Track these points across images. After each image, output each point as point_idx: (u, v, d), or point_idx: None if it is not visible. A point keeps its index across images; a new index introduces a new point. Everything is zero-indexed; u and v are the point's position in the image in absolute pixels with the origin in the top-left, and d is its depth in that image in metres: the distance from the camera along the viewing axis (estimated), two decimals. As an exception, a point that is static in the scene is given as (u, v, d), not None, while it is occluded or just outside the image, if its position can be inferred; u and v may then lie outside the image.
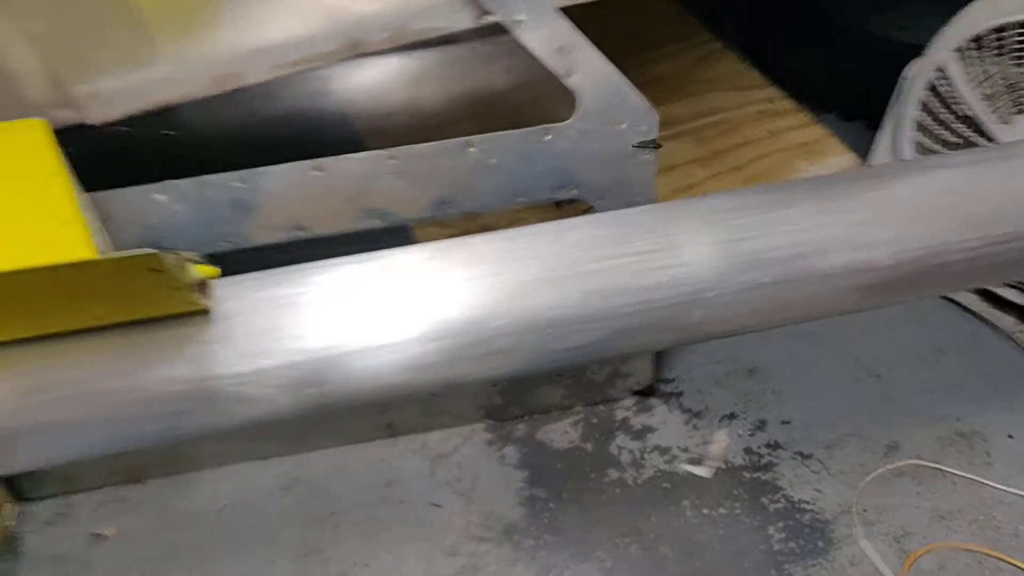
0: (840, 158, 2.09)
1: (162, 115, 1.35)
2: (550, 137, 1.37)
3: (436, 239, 1.18)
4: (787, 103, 2.26)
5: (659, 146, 1.39)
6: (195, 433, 1.13)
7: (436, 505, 1.64)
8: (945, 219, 1.20)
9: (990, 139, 1.67)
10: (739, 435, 1.71)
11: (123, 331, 1.08)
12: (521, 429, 1.75)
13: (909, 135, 1.85)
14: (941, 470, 1.62)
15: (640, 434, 1.73)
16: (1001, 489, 1.59)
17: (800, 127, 2.19)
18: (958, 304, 1.90)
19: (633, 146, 1.38)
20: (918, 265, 1.19)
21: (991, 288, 1.81)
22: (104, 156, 1.27)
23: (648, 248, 1.17)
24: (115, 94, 1.32)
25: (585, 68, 1.33)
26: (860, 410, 1.73)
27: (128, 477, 1.69)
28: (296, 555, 1.57)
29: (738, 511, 1.59)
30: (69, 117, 1.30)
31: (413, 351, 1.12)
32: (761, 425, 1.72)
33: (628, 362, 1.72)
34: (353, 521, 1.62)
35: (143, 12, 1.27)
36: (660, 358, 1.82)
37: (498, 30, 1.33)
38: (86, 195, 1.24)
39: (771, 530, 1.56)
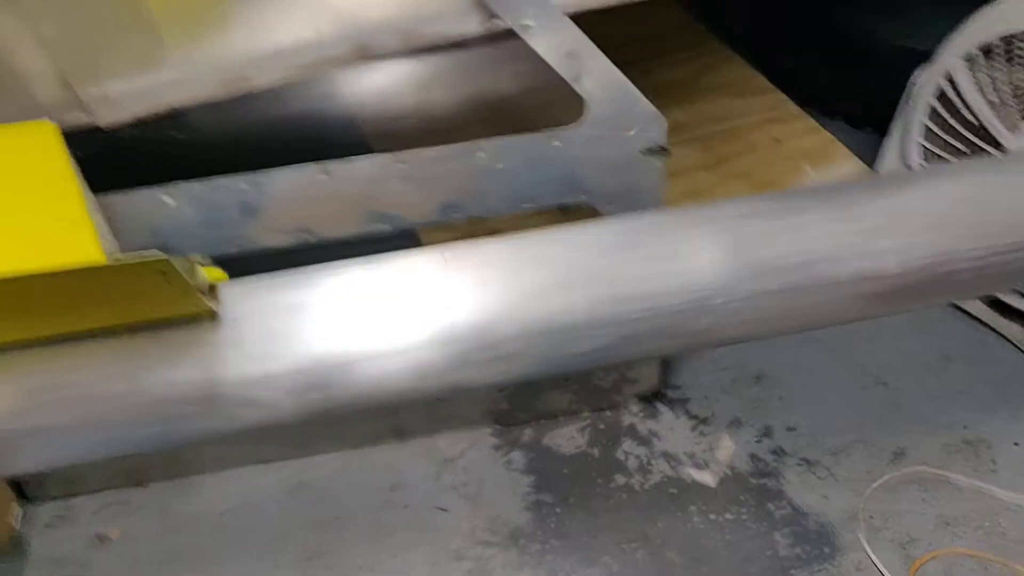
0: (847, 165, 2.08)
1: (171, 117, 1.36)
2: (558, 142, 1.37)
3: (441, 243, 1.18)
4: (794, 109, 2.25)
5: (668, 152, 1.39)
6: (200, 437, 1.13)
7: (442, 509, 1.64)
8: (953, 228, 1.20)
9: (998, 146, 1.67)
10: (745, 441, 1.71)
11: (130, 334, 1.08)
12: (528, 434, 1.75)
13: (917, 142, 1.85)
14: (947, 477, 1.62)
15: (647, 440, 1.72)
16: (1007, 496, 1.58)
17: (807, 133, 2.18)
18: (965, 312, 1.90)
19: (641, 152, 1.38)
20: (926, 274, 1.19)
21: (999, 296, 1.80)
22: (112, 158, 1.27)
23: (656, 254, 1.17)
24: (124, 96, 1.32)
25: (594, 73, 1.33)
26: (866, 417, 1.73)
27: (130, 480, 1.69)
28: (300, 559, 1.57)
29: (744, 517, 1.59)
30: (78, 119, 1.31)
31: (420, 355, 1.12)
32: (767, 431, 1.72)
33: (635, 368, 1.72)
34: (358, 525, 1.62)
35: (153, 15, 1.27)
36: (667, 364, 1.82)
37: (507, 35, 1.33)
38: (93, 197, 1.24)
39: (777, 536, 1.56)
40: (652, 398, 1.79)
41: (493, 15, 1.33)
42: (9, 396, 1.06)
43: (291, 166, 1.34)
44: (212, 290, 1.09)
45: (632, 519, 1.60)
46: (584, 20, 1.33)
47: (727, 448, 1.69)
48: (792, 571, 1.51)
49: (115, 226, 1.29)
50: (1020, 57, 1.63)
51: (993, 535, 1.54)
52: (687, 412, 1.77)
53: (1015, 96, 1.64)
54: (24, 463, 1.14)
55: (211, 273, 1.11)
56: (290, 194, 1.35)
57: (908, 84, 1.86)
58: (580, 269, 1.16)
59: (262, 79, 1.35)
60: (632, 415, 1.77)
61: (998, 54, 1.65)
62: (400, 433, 1.74)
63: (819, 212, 1.20)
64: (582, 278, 1.15)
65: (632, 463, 1.68)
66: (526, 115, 2.07)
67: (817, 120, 2.21)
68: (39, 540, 1.62)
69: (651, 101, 1.35)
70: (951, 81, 1.74)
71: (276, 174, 1.34)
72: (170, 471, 1.70)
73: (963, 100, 1.72)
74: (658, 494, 1.63)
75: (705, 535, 1.57)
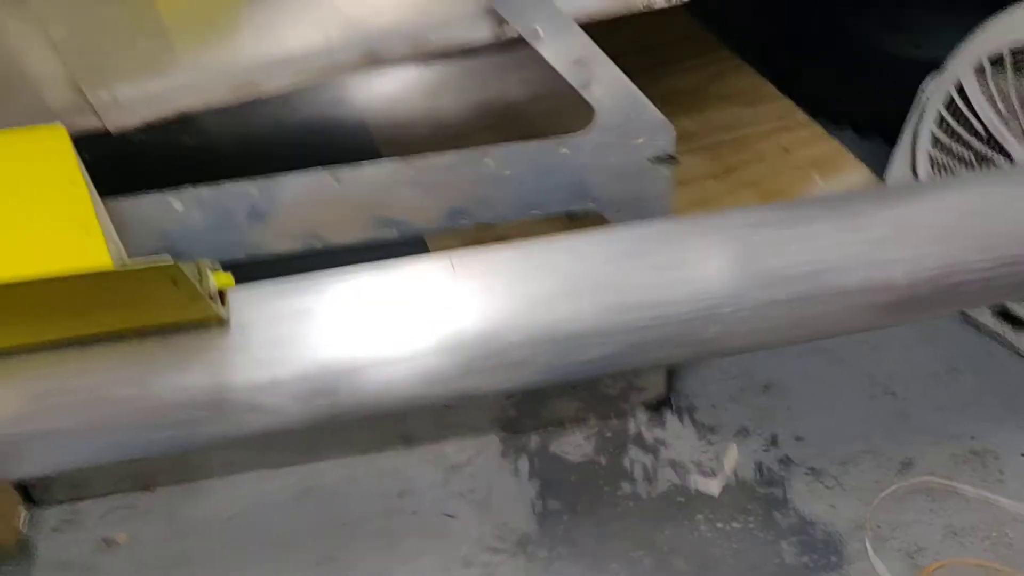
0: (856, 174, 2.08)
1: (180, 122, 1.36)
2: (566, 150, 1.37)
3: (449, 249, 1.19)
4: (803, 118, 2.25)
5: (677, 160, 1.39)
6: (208, 442, 1.14)
7: (450, 516, 1.63)
8: (961, 239, 1.20)
9: (1007, 156, 1.67)
10: (753, 450, 1.70)
11: (139, 338, 1.08)
12: (535, 441, 1.75)
13: (926, 151, 1.85)
14: (954, 487, 1.61)
15: (653, 448, 1.72)
16: (1014, 507, 1.58)
17: (816, 142, 2.18)
18: (973, 323, 1.89)
19: (650, 160, 1.38)
20: (933, 284, 1.19)
21: (1006, 307, 1.80)
22: (121, 162, 1.28)
23: (664, 263, 1.17)
24: (134, 101, 1.32)
25: (602, 81, 1.33)
26: (874, 427, 1.73)
27: (137, 484, 1.69)
28: (308, 564, 1.57)
29: (751, 525, 1.59)
30: (88, 123, 1.31)
31: (427, 362, 1.13)
32: (775, 440, 1.72)
33: (642, 376, 1.72)
34: (366, 531, 1.62)
35: (163, 19, 1.28)
36: (674, 372, 1.81)
37: (516, 42, 1.33)
38: (101, 201, 1.24)
39: (784, 545, 1.56)
40: (659, 406, 1.78)
41: (502, 22, 1.33)
42: (18, 399, 1.06)
43: (300, 171, 1.34)
44: (220, 295, 1.09)
45: (639, 527, 1.60)
46: (593, 28, 1.33)
47: (733, 457, 1.69)
48: (799, 580, 1.51)
49: (124, 230, 1.29)
50: (1029, 67, 1.63)
51: (1000, 545, 1.53)
52: (694, 420, 1.76)
53: (1023, 106, 1.64)
54: (32, 467, 1.14)
55: (219, 278, 1.11)
56: (299, 199, 1.35)
57: (917, 93, 1.86)
58: (588, 277, 1.16)
59: (271, 84, 1.36)
60: (639, 423, 1.77)
61: (1007, 64, 1.65)
62: (407, 439, 1.73)
63: (828, 222, 1.20)
64: (590, 286, 1.15)
65: (639, 471, 1.68)
66: (534, 122, 2.07)
67: (826, 129, 2.21)
68: (46, 544, 1.62)
69: (660, 109, 1.35)
70: (960, 90, 1.74)
71: (285, 179, 1.34)
72: (177, 475, 1.70)
73: (972, 109, 1.72)
74: (665, 502, 1.63)
75: (712, 543, 1.57)
